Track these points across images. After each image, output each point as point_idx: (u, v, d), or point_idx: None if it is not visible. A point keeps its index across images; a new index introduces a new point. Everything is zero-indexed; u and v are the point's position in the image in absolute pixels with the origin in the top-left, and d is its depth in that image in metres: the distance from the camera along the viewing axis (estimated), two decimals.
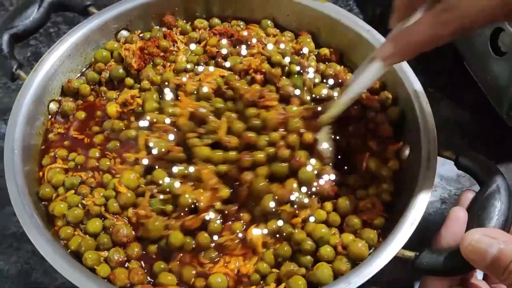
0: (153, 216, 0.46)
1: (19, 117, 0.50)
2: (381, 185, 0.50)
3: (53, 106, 0.55)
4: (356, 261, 0.45)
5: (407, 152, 0.52)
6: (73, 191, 0.48)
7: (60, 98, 0.56)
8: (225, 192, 0.48)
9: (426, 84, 0.53)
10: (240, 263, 0.46)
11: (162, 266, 0.45)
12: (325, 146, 0.50)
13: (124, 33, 0.60)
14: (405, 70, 0.54)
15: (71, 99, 0.56)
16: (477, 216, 0.45)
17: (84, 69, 0.58)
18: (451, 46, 0.68)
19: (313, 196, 0.48)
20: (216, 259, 0.46)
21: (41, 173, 0.50)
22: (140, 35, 0.60)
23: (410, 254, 0.44)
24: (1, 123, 0.65)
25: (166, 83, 0.55)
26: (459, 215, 0.46)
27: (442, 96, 0.69)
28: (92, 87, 0.57)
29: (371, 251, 0.46)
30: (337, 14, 0.59)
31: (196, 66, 0.57)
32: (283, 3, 0.61)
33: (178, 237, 0.45)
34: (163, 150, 0.49)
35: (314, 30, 0.61)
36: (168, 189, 0.47)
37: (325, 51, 0.59)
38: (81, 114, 0.55)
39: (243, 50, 0.58)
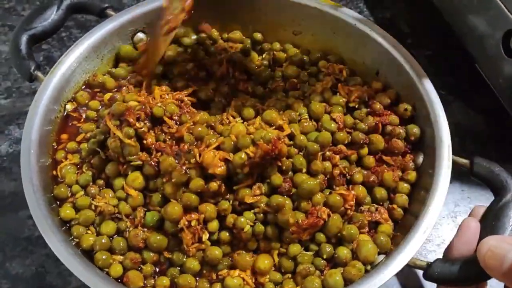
0: (151, 235, 0.46)
1: (36, 118, 0.50)
2: (396, 199, 0.50)
3: (69, 107, 0.55)
4: (365, 264, 0.46)
5: (420, 159, 0.52)
6: (83, 192, 0.49)
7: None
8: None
9: (437, 86, 0.53)
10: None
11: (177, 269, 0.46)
12: None
13: (141, 35, 0.60)
14: (421, 79, 0.53)
15: (88, 90, 0.56)
16: (490, 225, 0.45)
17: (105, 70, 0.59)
18: (462, 47, 0.67)
19: None
20: (231, 268, 0.46)
21: (54, 172, 0.51)
22: None
23: (421, 263, 0.44)
24: (15, 127, 0.65)
25: None
26: (471, 225, 0.46)
27: (454, 98, 0.68)
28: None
29: (382, 259, 0.46)
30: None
31: None
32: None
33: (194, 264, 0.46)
34: None
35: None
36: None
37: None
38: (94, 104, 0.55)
39: None
